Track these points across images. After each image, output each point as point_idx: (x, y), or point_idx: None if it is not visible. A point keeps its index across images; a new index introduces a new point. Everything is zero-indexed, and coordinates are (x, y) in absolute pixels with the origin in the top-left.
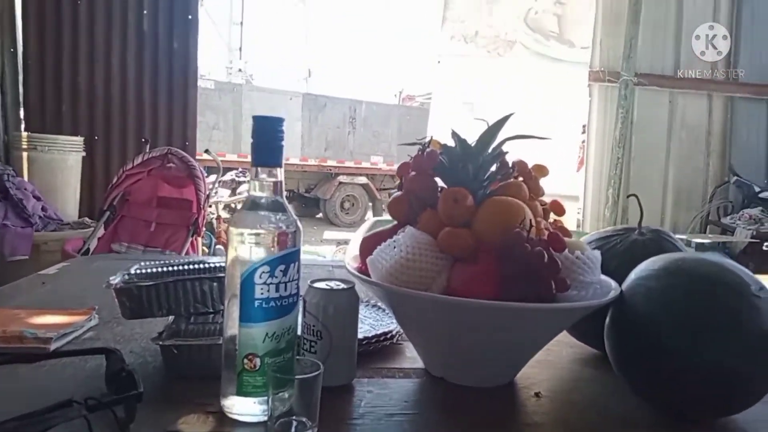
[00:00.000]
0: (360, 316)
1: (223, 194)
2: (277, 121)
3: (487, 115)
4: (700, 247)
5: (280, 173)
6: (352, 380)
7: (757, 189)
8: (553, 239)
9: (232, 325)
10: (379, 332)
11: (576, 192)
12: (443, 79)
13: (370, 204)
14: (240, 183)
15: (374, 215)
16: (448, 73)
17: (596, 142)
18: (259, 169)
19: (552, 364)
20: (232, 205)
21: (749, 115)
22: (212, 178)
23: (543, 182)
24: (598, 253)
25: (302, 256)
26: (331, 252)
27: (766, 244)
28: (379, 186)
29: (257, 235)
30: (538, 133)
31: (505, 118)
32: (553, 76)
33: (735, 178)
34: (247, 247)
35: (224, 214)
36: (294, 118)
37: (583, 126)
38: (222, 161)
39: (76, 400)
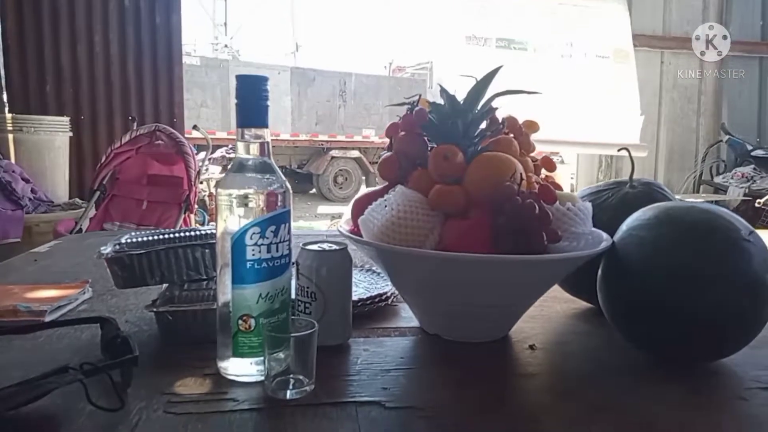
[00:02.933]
0: (354, 280)
1: (214, 171)
2: (261, 80)
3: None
4: None
5: (266, 134)
6: (347, 340)
7: (749, 147)
8: (543, 191)
9: (226, 292)
10: (373, 294)
11: (637, 139)
12: (463, 14)
13: (364, 178)
14: (230, 160)
15: (368, 188)
16: (469, 6)
17: None
18: (244, 130)
19: (546, 318)
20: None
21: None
22: (202, 155)
23: (605, 132)
24: (589, 205)
25: (297, 231)
26: (326, 226)
27: (758, 201)
28: (371, 159)
29: (245, 196)
30: (579, 80)
31: (493, 73)
32: (590, 12)
33: (727, 137)
34: (236, 209)
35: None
36: (283, 93)
37: None
38: (212, 138)
39: (72, 366)
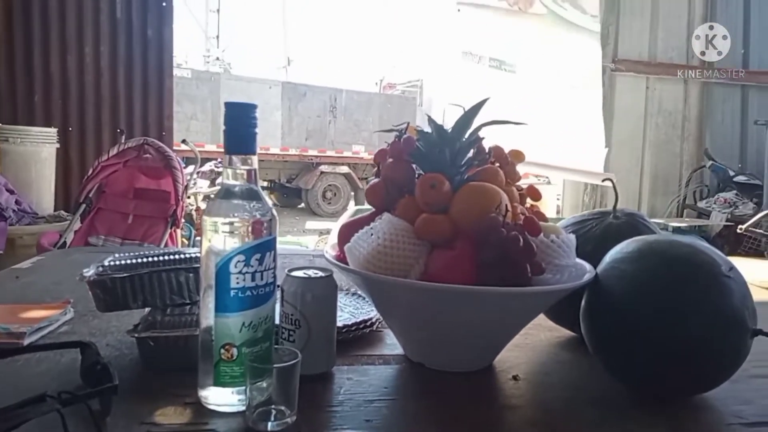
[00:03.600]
0: (340, 304)
1: (202, 185)
2: (250, 108)
3: (502, 69)
4: (677, 230)
5: (254, 161)
6: (331, 368)
7: (731, 173)
8: (528, 224)
9: (208, 316)
10: (358, 320)
11: (601, 169)
12: (463, 31)
13: (352, 193)
14: (219, 173)
15: (356, 204)
16: (468, 25)
17: None
18: (232, 156)
19: (530, 347)
20: (212, 196)
21: (724, 100)
22: (190, 168)
23: (570, 158)
24: (573, 237)
25: (284, 247)
26: (313, 242)
27: (740, 227)
28: (361, 175)
29: (231, 224)
30: (556, 108)
31: (480, 104)
32: (567, 41)
33: (710, 162)
34: (221, 237)
35: (203, 206)
36: (273, 108)
37: None
38: (200, 152)
39: (49, 394)
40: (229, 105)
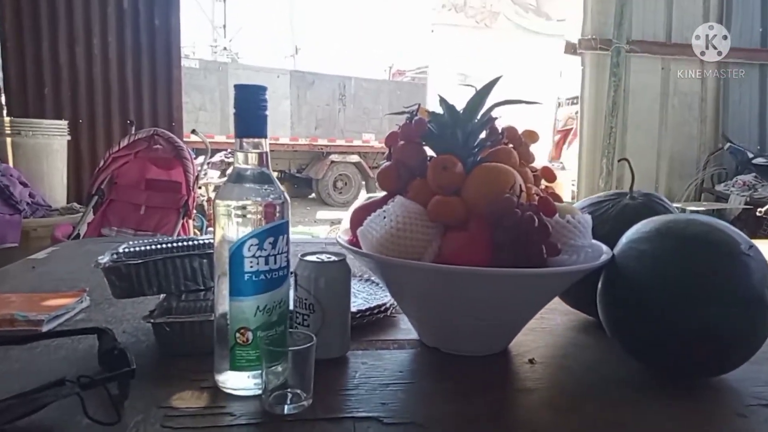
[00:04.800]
0: (353, 290)
1: (213, 176)
2: (260, 90)
3: (478, 85)
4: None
5: (264, 144)
6: (346, 352)
7: (750, 155)
8: (543, 204)
9: (223, 302)
10: (372, 305)
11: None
12: (438, 50)
13: (363, 182)
14: (229, 164)
15: (367, 193)
16: (441, 43)
17: (589, 111)
18: (243, 140)
19: (546, 331)
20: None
21: (741, 81)
22: (201, 159)
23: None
24: (588, 217)
25: (296, 236)
26: (325, 232)
27: (759, 210)
28: (371, 164)
29: (244, 207)
30: (514, 108)
31: (493, 83)
32: (532, 48)
33: (728, 144)
34: (233, 220)
35: (215, 196)
36: (282, 97)
37: (574, 98)
38: (210, 142)
39: (69, 378)
40: (238, 87)
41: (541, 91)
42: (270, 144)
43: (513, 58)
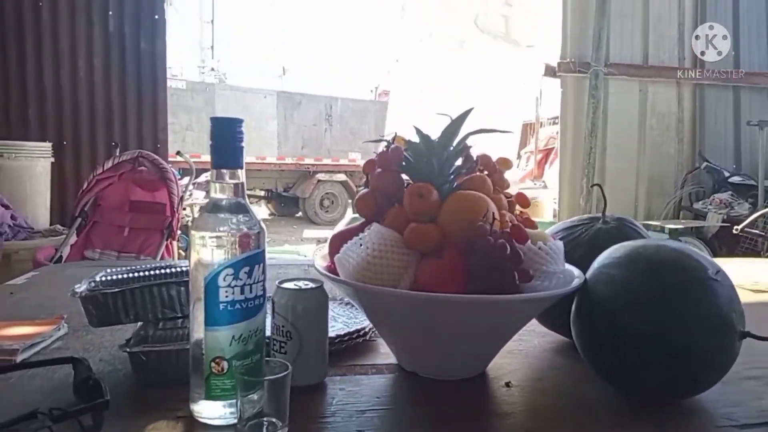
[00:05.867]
0: (332, 314)
1: (198, 196)
2: (236, 122)
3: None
4: (673, 232)
5: (241, 174)
6: (323, 379)
7: (726, 174)
8: (515, 231)
9: (198, 329)
10: (351, 330)
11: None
12: (403, 78)
13: (350, 201)
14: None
15: (354, 212)
16: (407, 71)
17: (569, 133)
18: (220, 171)
19: (523, 353)
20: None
21: (716, 101)
22: (186, 180)
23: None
24: (560, 243)
25: (281, 256)
26: (311, 250)
27: (735, 227)
28: (358, 183)
29: (219, 238)
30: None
31: (467, 112)
32: (500, 74)
33: (705, 163)
34: (209, 250)
35: None
36: (269, 117)
37: (555, 118)
38: (196, 162)
39: (41, 411)
40: (215, 120)
41: (513, 113)
42: (257, 163)
43: (481, 83)
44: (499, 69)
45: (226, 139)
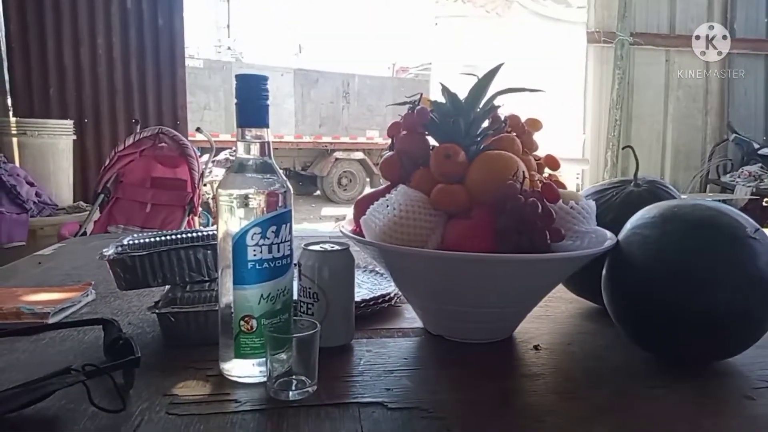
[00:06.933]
0: (357, 281)
1: (218, 173)
2: (261, 79)
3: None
4: None
5: (267, 133)
6: (350, 341)
7: (756, 146)
8: (546, 190)
9: (227, 294)
10: (376, 295)
11: (581, 155)
12: (442, 42)
13: (368, 179)
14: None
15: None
16: (446, 35)
17: (593, 104)
18: (245, 130)
19: (551, 318)
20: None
21: (747, 72)
22: (205, 157)
23: (547, 144)
24: (592, 203)
25: (301, 233)
26: (330, 228)
27: (766, 200)
28: (375, 161)
29: (246, 196)
30: (538, 97)
31: (495, 70)
32: (550, 36)
33: (734, 135)
34: (236, 210)
35: None
36: (286, 95)
37: None
38: (215, 141)
39: (74, 367)
40: (240, 77)
41: (566, 80)
42: (274, 142)
43: (529, 46)
44: (547, 31)
45: (251, 97)
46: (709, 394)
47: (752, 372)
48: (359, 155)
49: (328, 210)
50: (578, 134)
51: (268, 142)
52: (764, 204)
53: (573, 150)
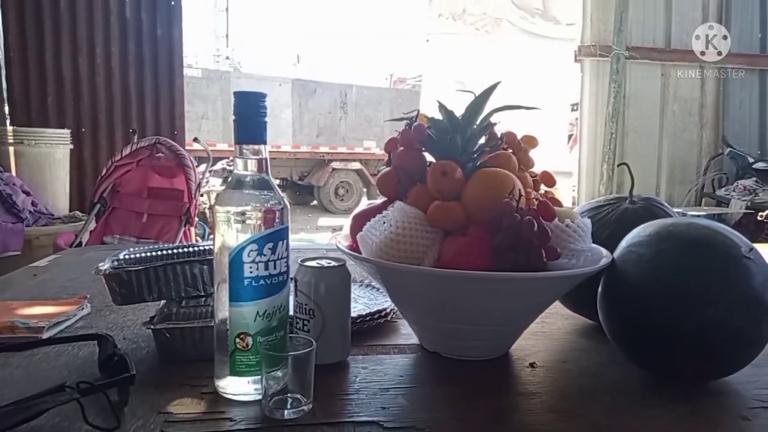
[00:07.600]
0: (354, 295)
1: (215, 183)
2: (259, 96)
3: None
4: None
5: (264, 150)
6: (346, 357)
7: (750, 160)
8: (542, 208)
9: (223, 309)
10: (373, 310)
11: (567, 168)
12: (433, 59)
13: (365, 190)
14: (231, 172)
15: (369, 200)
16: (437, 51)
17: (589, 118)
18: (242, 146)
19: (547, 335)
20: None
21: (741, 86)
22: (203, 167)
23: (534, 158)
24: (588, 221)
25: (297, 243)
26: (326, 239)
27: (760, 214)
28: (372, 171)
29: (243, 213)
30: (526, 112)
31: (492, 88)
32: (539, 53)
33: (728, 149)
34: (233, 226)
35: None
36: (284, 105)
37: (575, 104)
38: (212, 150)
39: (68, 384)
40: (238, 94)
41: (554, 95)
42: (272, 152)
43: (517, 63)
44: (536, 48)
45: (249, 114)
46: (705, 414)
47: (748, 391)
48: (356, 165)
49: (324, 220)
50: (567, 148)
51: (266, 159)
52: (759, 218)
53: (562, 164)
